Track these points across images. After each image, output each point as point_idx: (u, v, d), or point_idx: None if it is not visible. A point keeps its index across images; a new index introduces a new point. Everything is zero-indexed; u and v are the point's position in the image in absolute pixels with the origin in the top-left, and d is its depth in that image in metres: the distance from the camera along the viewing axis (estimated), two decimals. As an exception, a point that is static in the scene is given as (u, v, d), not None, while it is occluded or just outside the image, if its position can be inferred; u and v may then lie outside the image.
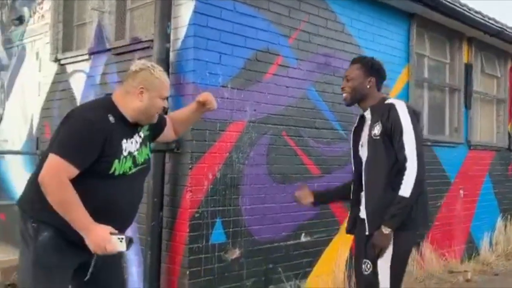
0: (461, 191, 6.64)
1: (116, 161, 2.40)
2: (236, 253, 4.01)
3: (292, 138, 4.45)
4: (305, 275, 4.56)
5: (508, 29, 6.78)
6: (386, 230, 2.70)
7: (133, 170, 2.51)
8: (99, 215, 2.35)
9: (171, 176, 3.83)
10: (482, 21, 6.28)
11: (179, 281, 3.74)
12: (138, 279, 3.96)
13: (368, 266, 2.81)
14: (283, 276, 4.34)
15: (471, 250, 6.77)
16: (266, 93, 4.24)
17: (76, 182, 2.30)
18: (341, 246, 4.86)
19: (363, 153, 2.92)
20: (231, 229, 3.97)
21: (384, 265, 2.74)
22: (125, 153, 2.45)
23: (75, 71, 4.95)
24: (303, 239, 4.55)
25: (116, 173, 2.40)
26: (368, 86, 2.91)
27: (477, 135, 7.07)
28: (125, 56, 4.30)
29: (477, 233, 6.94)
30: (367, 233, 2.82)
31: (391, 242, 2.73)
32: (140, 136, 2.59)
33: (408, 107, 2.83)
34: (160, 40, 3.78)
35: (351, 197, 3.05)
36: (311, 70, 4.63)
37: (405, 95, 5.70)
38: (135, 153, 2.53)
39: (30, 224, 2.40)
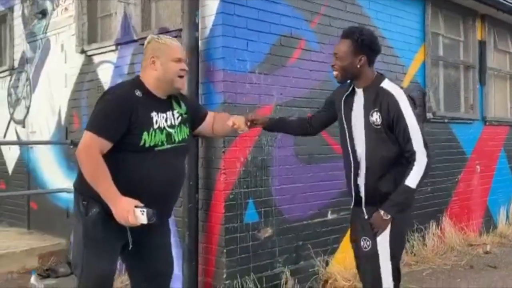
0: (478, 166, 6.77)
1: (145, 133, 2.52)
2: (268, 231, 4.18)
3: (317, 120, 4.58)
4: (333, 251, 4.74)
5: (521, 5, 6.85)
6: (386, 216, 2.69)
7: (167, 146, 2.61)
8: (137, 190, 2.49)
9: (204, 160, 3.99)
10: (496, -2, 6.35)
11: (216, 260, 3.93)
12: (177, 260, 4.12)
13: (368, 243, 2.78)
14: (312, 252, 4.51)
15: (489, 224, 6.93)
16: (291, 77, 4.37)
17: (113, 156, 2.47)
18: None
19: (359, 135, 2.80)
20: (263, 209, 4.14)
21: (383, 242, 2.75)
22: (155, 126, 2.56)
23: (102, 62, 5.09)
24: (329, 216, 4.72)
25: (147, 145, 2.52)
26: (358, 66, 2.74)
27: (492, 111, 7.18)
28: (153, 46, 4.43)
29: (494, 206, 7.08)
30: (366, 217, 2.80)
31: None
32: (176, 114, 2.70)
33: (407, 95, 2.74)
34: (189, 29, 3.91)
35: (350, 167, 2.89)
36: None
37: (421, 75, 5.82)
38: (170, 130, 2.64)
39: (81, 202, 2.59)
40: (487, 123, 6.94)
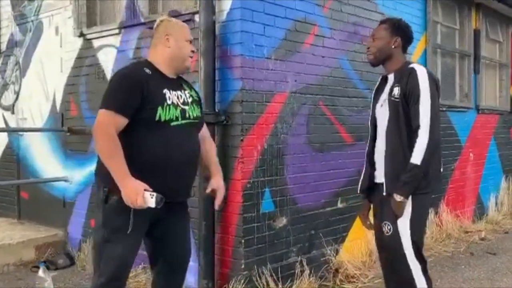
0: (471, 154, 6.85)
1: (160, 107, 2.53)
2: (283, 221, 4.11)
3: (328, 108, 4.53)
4: (343, 240, 4.71)
5: (515, -6, 6.92)
6: (399, 198, 2.74)
7: (183, 121, 2.63)
8: (157, 165, 2.52)
9: (220, 148, 3.86)
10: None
11: (233, 250, 3.84)
12: (193, 250, 4.03)
13: (389, 227, 2.83)
14: (324, 241, 4.47)
15: (480, 211, 7.04)
16: (305, 64, 4.29)
17: (130, 134, 2.50)
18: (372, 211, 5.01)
19: (383, 112, 2.92)
20: (278, 198, 4.07)
21: (404, 226, 2.79)
22: (168, 102, 2.58)
23: (103, 46, 4.89)
24: (339, 205, 4.68)
25: (162, 119, 2.53)
26: (393, 46, 2.91)
27: (484, 100, 7.26)
28: (162, 30, 4.27)
29: (485, 194, 7.20)
30: (384, 193, 2.85)
31: (410, 204, 2.76)
32: (187, 94, 2.74)
33: (429, 74, 2.84)
34: (206, 12, 3.77)
35: (367, 157, 3.05)
36: (343, 40, 4.69)
37: (423, 62, 5.81)
38: (184, 106, 2.66)
39: (102, 189, 2.57)
40: (480, 112, 7.02)
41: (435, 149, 2.75)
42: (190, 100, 2.74)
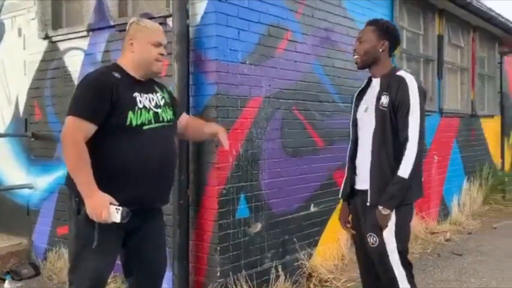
0: (435, 157, 7.01)
1: (130, 112, 2.47)
2: (258, 226, 4.08)
3: (301, 112, 4.53)
4: (316, 244, 4.72)
5: (476, 1, 7.12)
6: (385, 211, 2.71)
7: (156, 124, 2.57)
8: (132, 172, 2.45)
9: (194, 154, 3.82)
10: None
11: (208, 257, 3.78)
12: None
13: (374, 239, 2.79)
14: (298, 246, 4.47)
15: (444, 212, 7.21)
16: (278, 68, 4.28)
17: (101, 141, 2.43)
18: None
19: (368, 119, 2.84)
20: (253, 204, 4.04)
21: (389, 237, 2.76)
22: (139, 105, 2.51)
23: (69, 49, 4.74)
24: (312, 209, 4.69)
25: (134, 123, 2.47)
26: (380, 50, 2.83)
27: (446, 103, 7.44)
28: (132, 33, 4.17)
29: (448, 195, 7.38)
30: (368, 203, 2.80)
31: (394, 215, 2.73)
32: (159, 96, 2.67)
33: (418, 84, 2.78)
34: (180, 15, 3.70)
35: (348, 161, 3.00)
36: (315, 45, 4.71)
37: (390, 67, 5.90)
38: (157, 109, 2.60)
39: (74, 200, 2.49)
40: (443, 115, 7.19)
41: (420, 161, 2.74)
42: (162, 102, 2.67)
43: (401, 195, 2.71)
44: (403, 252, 2.80)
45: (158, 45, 2.63)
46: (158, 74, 2.73)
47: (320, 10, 4.77)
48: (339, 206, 4.96)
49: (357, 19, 5.29)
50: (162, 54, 2.65)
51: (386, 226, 2.73)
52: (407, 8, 6.48)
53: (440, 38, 7.04)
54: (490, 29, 8.53)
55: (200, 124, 3.04)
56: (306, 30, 4.59)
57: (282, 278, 4.14)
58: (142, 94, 2.57)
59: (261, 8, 4.09)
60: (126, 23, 4.14)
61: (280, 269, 4.18)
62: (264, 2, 4.12)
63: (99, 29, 4.46)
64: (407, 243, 2.89)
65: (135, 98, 2.53)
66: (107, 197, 2.36)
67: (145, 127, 2.52)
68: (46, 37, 4.89)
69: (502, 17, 8.24)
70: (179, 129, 2.88)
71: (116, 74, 2.54)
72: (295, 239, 4.46)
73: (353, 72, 5.17)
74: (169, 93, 2.84)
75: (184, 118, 2.94)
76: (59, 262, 4.71)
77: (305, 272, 4.51)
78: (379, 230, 2.76)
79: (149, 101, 2.59)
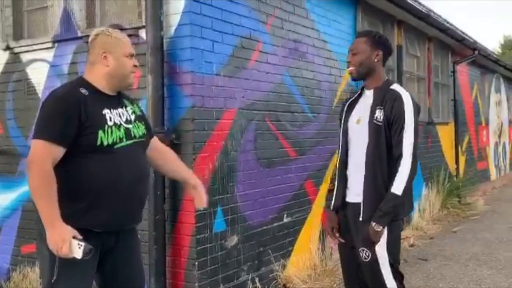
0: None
1: (101, 131, 2.33)
2: (234, 240, 4.05)
3: (273, 123, 4.54)
4: (289, 254, 4.73)
5: (433, 13, 7.37)
6: (378, 227, 2.69)
7: (128, 142, 2.43)
8: (103, 195, 2.32)
9: (170, 168, 3.75)
10: (415, 5, 6.76)
11: (186, 273, 3.72)
12: (143, 275, 3.86)
13: (367, 253, 2.78)
14: (272, 257, 4.46)
15: (406, 217, 7.36)
16: (251, 80, 4.28)
17: (70, 164, 2.28)
18: (314, 223, 5.10)
19: (361, 132, 2.82)
20: (229, 217, 4.01)
21: (381, 251, 2.76)
22: (109, 123, 2.37)
23: (33, 61, 4.58)
24: (285, 220, 4.70)
25: (105, 143, 2.33)
26: (375, 60, 2.82)
27: (406, 112, 7.63)
28: (102, 44, 4.07)
29: (409, 201, 7.53)
30: (361, 219, 2.79)
31: (385, 230, 2.72)
32: (129, 111, 2.54)
33: (413, 100, 2.78)
34: (154, 27, 3.65)
35: (338, 174, 2.96)
36: (285, 56, 4.74)
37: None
38: (128, 125, 2.46)
39: (42, 224, 2.29)
40: (403, 123, 7.35)
41: (414, 178, 2.73)
42: (133, 117, 2.53)
43: (394, 212, 2.70)
44: (395, 265, 2.82)
45: (131, 56, 2.52)
46: (131, 86, 2.61)
47: (289, 22, 4.81)
48: (311, 215, 5.06)
49: (323, 30, 5.37)
50: (135, 66, 2.55)
51: (379, 241, 2.73)
52: (368, 20, 6.62)
53: (399, 48, 7.23)
54: (443, 39, 8.83)
55: (176, 161, 2.82)
56: (276, 42, 4.61)
57: (259, 290, 4.13)
58: (112, 110, 2.42)
59: (234, 20, 4.08)
60: (94, 35, 4.12)
61: (257, 281, 4.16)
62: (237, 14, 4.12)
63: (66, 40, 4.33)
64: (399, 255, 2.92)
65: (104, 116, 2.37)
66: (70, 230, 2.21)
67: (116, 146, 2.37)
68: (7, 48, 4.70)
69: (457, 28, 8.56)
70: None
71: (83, 91, 2.37)
72: (269, 251, 4.45)
73: (320, 82, 5.25)
74: (139, 107, 2.69)
75: (153, 142, 2.73)
76: (24, 282, 4.50)
77: (280, 283, 4.50)
78: (371, 245, 2.75)
79: (120, 116, 2.45)
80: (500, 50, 31.66)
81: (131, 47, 2.54)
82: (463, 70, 10.53)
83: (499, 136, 13.90)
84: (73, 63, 4.29)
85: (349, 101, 3.00)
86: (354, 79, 2.97)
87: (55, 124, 2.26)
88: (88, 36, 4.07)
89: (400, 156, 2.69)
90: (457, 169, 9.79)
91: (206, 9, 3.79)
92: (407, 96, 2.77)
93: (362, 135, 2.82)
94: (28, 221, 4.49)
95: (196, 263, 3.68)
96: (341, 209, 2.98)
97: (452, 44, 9.26)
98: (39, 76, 4.52)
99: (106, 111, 2.38)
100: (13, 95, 4.72)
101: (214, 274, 3.84)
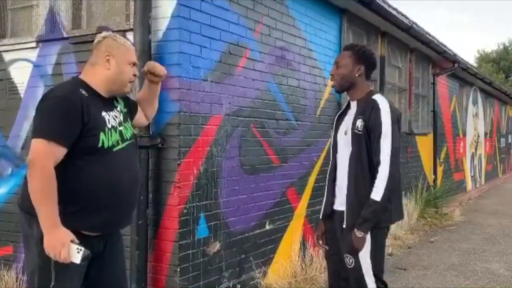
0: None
1: (102, 133, 2.34)
2: (216, 246, 4.03)
3: (258, 130, 4.54)
4: (270, 261, 4.72)
5: (416, 25, 7.47)
6: (360, 234, 2.75)
7: (122, 145, 2.45)
8: (102, 197, 2.32)
9: (153, 172, 3.72)
10: (399, 17, 6.85)
11: (167, 279, 3.68)
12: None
13: (351, 260, 2.83)
14: (254, 264, 4.45)
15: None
16: (237, 86, 4.27)
17: (67, 163, 2.27)
18: (295, 231, 5.10)
19: (346, 142, 2.90)
20: (212, 223, 3.98)
21: (364, 259, 2.81)
22: (109, 126, 2.39)
23: (15, 60, 4.49)
24: (267, 227, 4.69)
25: (105, 145, 2.34)
26: (356, 74, 2.91)
27: (387, 122, 7.70)
28: (87, 46, 4.00)
29: (388, 211, 7.60)
30: (344, 225, 2.85)
31: (369, 238, 2.77)
32: (120, 111, 2.56)
33: (391, 108, 2.84)
34: (142, 30, 3.61)
35: (327, 183, 3.06)
36: (271, 63, 4.75)
37: (338, 86, 6.05)
38: (120, 128, 2.49)
39: (34, 225, 2.27)
40: (384, 133, 7.42)
41: (395, 185, 2.79)
42: (122, 117, 2.55)
43: (374, 218, 2.75)
44: (378, 274, 2.86)
45: (133, 65, 2.55)
46: (126, 94, 2.64)
47: (277, 30, 4.82)
48: (291, 223, 5.06)
49: (309, 39, 5.40)
50: (135, 75, 2.58)
51: (362, 248, 2.78)
52: (353, 30, 6.68)
53: (382, 59, 7.31)
54: (424, 51, 8.96)
55: (142, 91, 3.01)
56: (263, 49, 4.62)
57: (240, 298, 4.10)
58: (109, 113, 2.44)
59: (222, 25, 4.08)
60: (80, 36, 4.08)
61: (239, 288, 4.14)
62: (225, 20, 4.11)
63: (51, 40, 4.26)
64: (383, 264, 2.96)
65: (104, 118, 2.39)
66: (69, 235, 2.18)
67: (115, 149, 2.40)
68: (-12, 47, 4.62)
69: (437, 41, 8.69)
70: (140, 117, 2.87)
71: (84, 92, 2.36)
72: (251, 258, 4.43)
73: (305, 91, 5.27)
74: (124, 100, 2.70)
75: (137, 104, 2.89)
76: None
77: (260, 291, 4.49)
78: (355, 251, 2.80)
79: (114, 119, 2.47)
80: (476, 64, 32.31)
81: (135, 56, 2.58)
82: (443, 82, 10.69)
83: (476, 148, 14.14)
84: (57, 63, 4.23)
85: (339, 113, 3.09)
86: (337, 92, 3.09)
87: (58, 124, 2.24)
88: (74, 37, 4.09)
89: (378, 163, 2.75)
90: (435, 179, 9.92)
91: (195, 14, 3.78)
92: (385, 105, 2.83)
93: (347, 145, 2.90)
94: (6, 223, 4.40)
95: (178, 269, 3.64)
96: (329, 218, 3.04)
97: (433, 56, 9.40)
98: (22, 76, 4.44)
99: (104, 114, 2.41)
100: (-6, 94, 4.63)
101: (196, 281, 3.80)
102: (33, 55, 4.38)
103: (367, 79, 2.99)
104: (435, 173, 9.93)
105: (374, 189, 2.73)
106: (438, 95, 10.24)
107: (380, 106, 2.81)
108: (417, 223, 8.40)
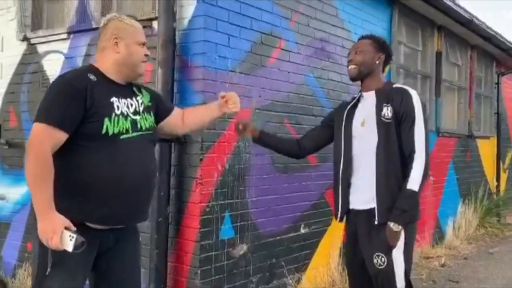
0: (431, 178, 6.74)
1: (107, 119, 2.22)
2: (243, 248, 3.78)
3: (293, 126, 4.26)
4: (305, 268, 4.42)
5: (477, 19, 6.93)
6: (397, 227, 2.57)
7: (134, 134, 2.31)
8: (106, 187, 2.20)
9: (176, 168, 3.52)
10: (458, 9, 6.36)
11: (188, 281, 3.47)
12: (142, 280, 3.63)
13: (382, 259, 2.66)
14: (286, 270, 4.16)
15: (438, 235, 6.94)
16: (270, 79, 4.01)
17: (69, 150, 2.17)
18: (334, 237, 4.76)
19: (368, 133, 2.72)
20: (238, 224, 3.74)
21: (398, 256, 2.64)
22: (117, 112, 2.27)
23: (49, 52, 4.45)
24: (302, 230, 4.40)
25: (110, 132, 2.22)
26: (377, 62, 2.81)
27: (443, 123, 7.21)
28: (115, 36, 3.90)
29: (443, 218, 7.11)
30: (376, 222, 2.65)
31: (402, 234, 2.59)
32: (139, 101, 2.42)
33: (420, 98, 2.74)
34: (166, 18, 3.44)
35: (338, 180, 2.83)
36: (309, 55, 4.46)
37: (387, 82, 5.66)
38: (136, 116, 2.35)
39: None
40: (439, 135, 6.95)
41: (427, 175, 2.62)
42: (142, 108, 2.41)
43: (412, 209, 2.58)
44: (408, 273, 2.67)
45: (143, 45, 2.43)
46: (141, 76, 2.50)
47: (316, 20, 4.52)
48: (330, 228, 4.73)
49: (354, 31, 5.05)
50: (147, 55, 2.44)
51: (396, 244, 2.59)
52: (406, 22, 6.26)
53: (438, 55, 6.83)
54: (487, 48, 8.35)
55: (199, 108, 2.90)
56: (300, 40, 4.33)
57: (268, 305, 3.84)
58: (120, 99, 2.31)
59: (254, 14, 3.83)
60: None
61: (266, 296, 3.87)
62: (257, 8, 3.87)
63: (81, 31, 4.17)
64: (411, 264, 2.76)
65: (112, 104, 2.27)
66: (62, 221, 2.06)
67: (122, 137, 2.25)
68: (25, 38, 4.60)
69: (501, 37, 8.05)
70: (172, 125, 2.66)
71: (92, 77, 2.27)
72: (283, 263, 4.15)
73: (348, 86, 4.92)
74: (150, 92, 2.56)
75: (177, 112, 2.69)
76: (28, 279, 4.36)
77: (293, 298, 4.20)
78: (388, 249, 2.61)
79: (128, 107, 2.33)
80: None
81: (143, 35, 2.44)
82: (509, 82, 9.96)
83: (546, 154, 13.14)
84: (87, 55, 4.13)
85: (348, 106, 2.89)
86: (352, 79, 2.86)
87: (58, 108, 2.15)
88: (102, 27, 3.96)
89: (412, 151, 2.60)
90: (498, 186, 9.24)
91: (222, 1, 3.56)
92: (413, 91, 2.72)
93: (369, 136, 2.70)
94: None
95: (199, 271, 3.42)
96: (348, 219, 2.83)
97: (497, 54, 8.75)
98: (54, 68, 4.38)
99: (114, 99, 2.29)
100: (28, 87, 4.61)
101: (219, 285, 3.57)
102: (64, 46, 4.31)
103: (382, 71, 2.88)
104: (498, 179, 9.25)
105: (410, 178, 2.56)
106: (503, 96, 9.54)
107: (411, 92, 2.70)
108: (476, 233, 7.81)
